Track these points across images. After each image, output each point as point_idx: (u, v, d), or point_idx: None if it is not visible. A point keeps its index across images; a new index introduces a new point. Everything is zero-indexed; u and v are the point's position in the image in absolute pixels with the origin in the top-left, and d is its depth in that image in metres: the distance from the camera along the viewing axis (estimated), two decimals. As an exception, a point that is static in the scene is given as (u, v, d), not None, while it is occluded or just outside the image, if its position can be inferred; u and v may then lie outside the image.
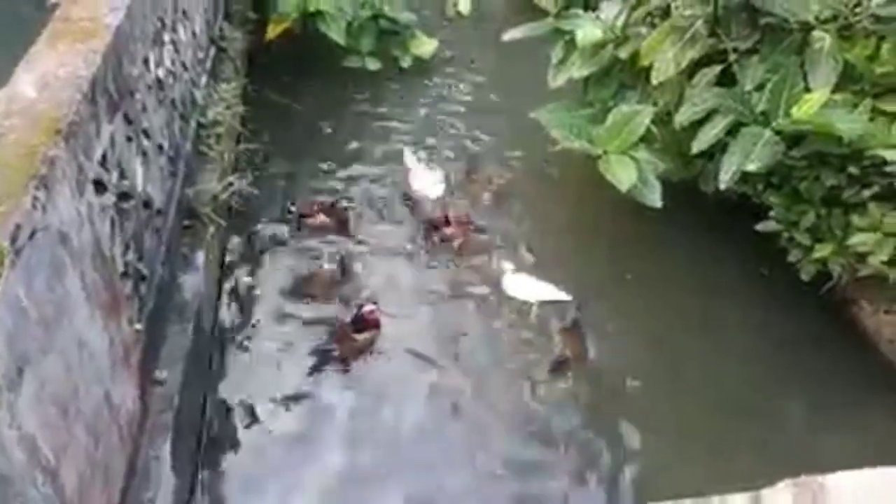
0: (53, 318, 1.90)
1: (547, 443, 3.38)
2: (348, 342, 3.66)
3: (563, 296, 4.01)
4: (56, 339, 1.92)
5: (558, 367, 3.70)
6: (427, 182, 4.71)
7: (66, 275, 2.00)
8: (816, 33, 3.71)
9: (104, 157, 2.36)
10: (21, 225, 1.70)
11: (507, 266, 4.18)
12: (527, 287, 4.09)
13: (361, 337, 3.69)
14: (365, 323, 3.71)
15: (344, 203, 4.62)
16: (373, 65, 6.01)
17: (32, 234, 1.75)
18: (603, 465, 3.30)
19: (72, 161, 2.03)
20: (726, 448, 3.36)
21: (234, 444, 3.26)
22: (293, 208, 4.50)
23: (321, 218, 4.43)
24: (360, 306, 3.77)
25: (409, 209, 4.67)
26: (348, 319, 3.75)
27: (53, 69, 2.18)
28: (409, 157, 4.87)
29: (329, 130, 5.44)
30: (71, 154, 2.02)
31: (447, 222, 4.44)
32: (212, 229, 3.74)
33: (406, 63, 6.15)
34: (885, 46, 3.55)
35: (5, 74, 2.21)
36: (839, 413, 3.58)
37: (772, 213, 3.92)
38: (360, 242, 4.41)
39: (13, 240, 1.66)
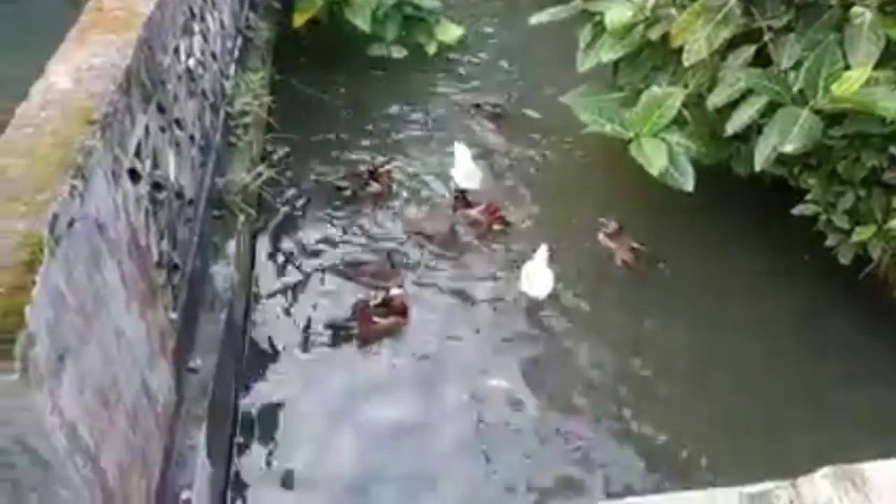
0: (92, 306, 1.93)
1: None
2: (369, 323, 3.67)
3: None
4: (95, 328, 1.94)
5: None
6: (467, 173, 4.66)
7: (104, 264, 2.02)
8: (856, 9, 3.59)
9: (138, 147, 2.38)
10: (59, 214, 1.72)
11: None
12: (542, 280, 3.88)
13: (385, 321, 3.69)
14: (391, 308, 3.72)
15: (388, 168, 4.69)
16: (398, 52, 5.98)
17: (71, 224, 1.77)
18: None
19: (107, 151, 2.05)
20: (773, 431, 3.32)
21: (268, 432, 3.30)
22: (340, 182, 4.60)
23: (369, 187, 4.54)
24: (388, 289, 3.78)
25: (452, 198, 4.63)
26: (374, 302, 3.76)
27: (87, 60, 2.20)
28: (459, 150, 4.74)
29: (355, 119, 5.44)
30: (106, 144, 2.03)
31: (473, 206, 4.44)
32: (242, 219, 3.77)
33: (432, 50, 6.11)
34: (931, 21, 3.43)
35: (39, 66, 2.23)
36: (880, 397, 3.49)
37: (808, 196, 3.83)
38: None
39: (52, 229, 1.68)
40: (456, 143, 4.73)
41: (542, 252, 3.84)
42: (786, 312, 3.94)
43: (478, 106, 5.50)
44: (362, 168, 4.69)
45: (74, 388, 1.78)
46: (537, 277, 3.80)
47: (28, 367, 1.51)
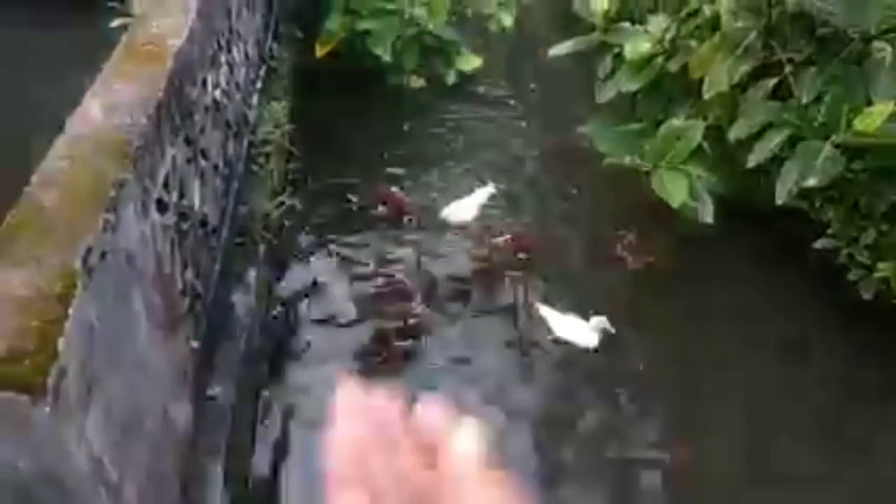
0: (119, 338, 1.94)
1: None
2: (392, 349, 3.71)
3: (589, 339, 3.70)
4: (121, 359, 1.96)
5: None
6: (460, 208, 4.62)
7: (132, 294, 2.05)
8: (877, 44, 3.61)
9: (166, 178, 2.41)
10: (92, 247, 1.74)
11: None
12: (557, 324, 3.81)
13: (405, 343, 3.75)
14: (411, 330, 3.78)
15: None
16: (417, 82, 6.05)
17: (103, 256, 1.79)
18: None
19: (138, 184, 2.08)
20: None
21: (285, 459, 3.28)
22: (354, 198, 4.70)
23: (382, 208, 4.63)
24: (407, 314, 3.83)
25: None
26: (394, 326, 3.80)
27: (120, 93, 2.24)
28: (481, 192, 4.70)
29: (374, 148, 5.49)
30: (138, 177, 2.07)
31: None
32: (263, 247, 3.79)
33: (451, 80, 6.17)
34: (952, 57, 3.43)
35: (74, 95, 2.28)
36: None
37: (830, 230, 3.80)
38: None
39: (85, 262, 1.71)
40: (480, 187, 4.70)
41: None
42: (802, 344, 3.90)
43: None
44: (378, 191, 4.77)
45: (100, 420, 1.79)
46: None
47: (59, 400, 1.52)
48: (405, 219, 4.68)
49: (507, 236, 4.44)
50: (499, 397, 3.58)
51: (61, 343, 1.53)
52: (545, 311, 3.80)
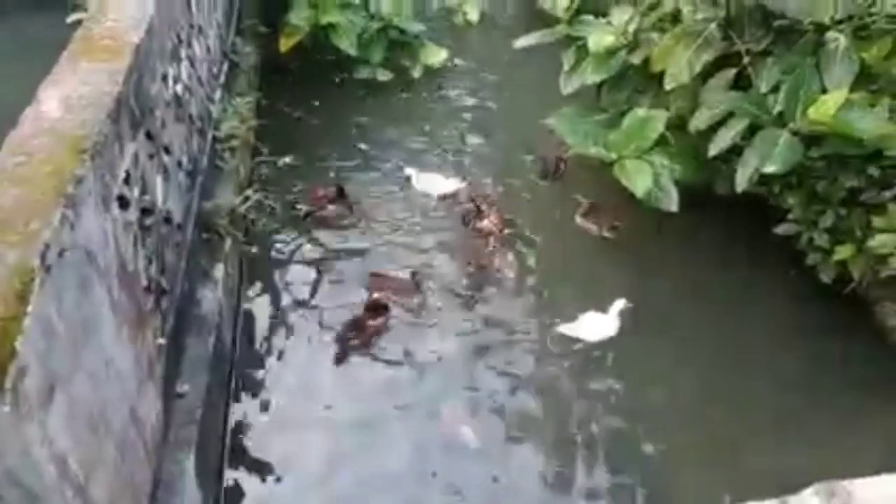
0: (82, 335, 1.92)
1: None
2: (365, 329, 3.84)
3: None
4: (84, 357, 1.93)
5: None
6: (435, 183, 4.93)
7: (94, 292, 2.02)
8: (831, 34, 3.70)
9: (127, 174, 2.38)
10: (50, 244, 1.71)
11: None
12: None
13: (375, 322, 3.87)
14: (376, 309, 3.93)
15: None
16: (383, 75, 6.04)
17: (62, 253, 1.76)
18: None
19: (97, 179, 2.05)
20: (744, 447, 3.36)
21: (258, 456, 3.27)
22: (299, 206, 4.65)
23: (329, 208, 4.61)
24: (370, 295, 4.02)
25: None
26: (361, 309, 3.92)
27: (77, 88, 2.20)
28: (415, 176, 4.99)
29: (341, 139, 5.47)
30: (97, 172, 2.04)
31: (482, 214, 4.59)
32: (229, 242, 3.76)
33: (417, 73, 6.18)
34: (902, 45, 3.53)
35: (28, 94, 2.23)
36: (863, 411, 3.54)
37: (790, 216, 3.90)
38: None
39: (43, 259, 1.68)
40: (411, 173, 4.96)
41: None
42: (763, 324, 4.01)
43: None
44: (322, 192, 4.71)
45: (64, 418, 1.76)
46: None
47: (19, 399, 1.50)
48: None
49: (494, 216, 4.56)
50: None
51: (20, 341, 1.51)
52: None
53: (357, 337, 3.82)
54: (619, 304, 3.84)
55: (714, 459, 3.32)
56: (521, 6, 7.02)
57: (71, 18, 3.60)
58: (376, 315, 3.90)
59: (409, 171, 5.00)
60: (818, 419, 3.51)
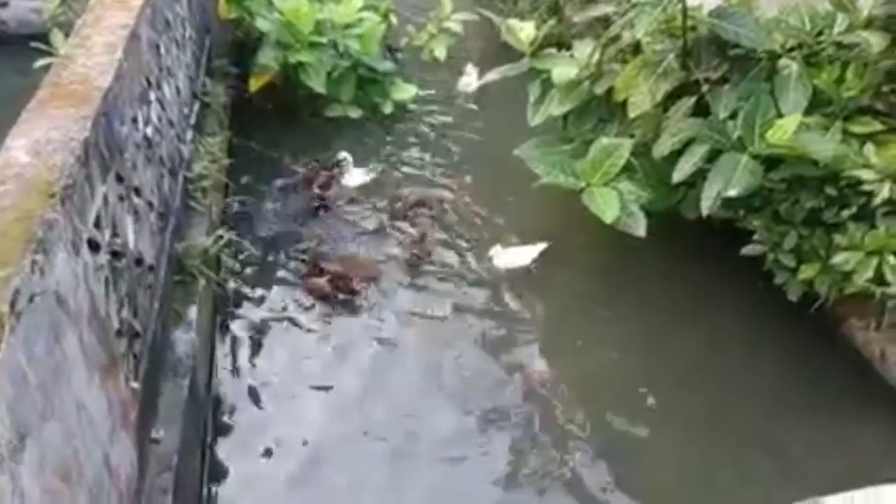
0: (52, 382, 1.88)
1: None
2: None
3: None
4: (56, 404, 1.89)
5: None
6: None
7: (64, 337, 1.99)
8: (783, 61, 3.87)
9: (98, 216, 2.36)
10: (20, 290, 1.69)
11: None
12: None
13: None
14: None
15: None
16: (354, 112, 6.11)
17: (31, 299, 1.74)
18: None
19: (68, 223, 2.04)
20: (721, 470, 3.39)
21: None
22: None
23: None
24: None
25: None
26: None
27: (46, 133, 2.20)
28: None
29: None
30: (66, 217, 2.03)
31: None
32: (203, 283, 3.73)
33: (387, 109, 6.26)
34: (850, 71, 3.69)
35: (-2, 142, 2.23)
36: (832, 429, 3.60)
37: (755, 237, 4.00)
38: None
39: (12, 305, 1.66)
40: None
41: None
42: (736, 344, 4.09)
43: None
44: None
45: (35, 468, 1.72)
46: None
47: (-12, 449, 1.46)
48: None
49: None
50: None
51: (-10, 390, 1.48)
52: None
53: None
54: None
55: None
56: (486, 42, 7.18)
57: (39, 63, 3.62)
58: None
59: None
60: (785, 435, 3.56)
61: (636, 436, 3.56)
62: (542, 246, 4.55)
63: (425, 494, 3.28)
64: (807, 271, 3.79)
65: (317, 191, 5.22)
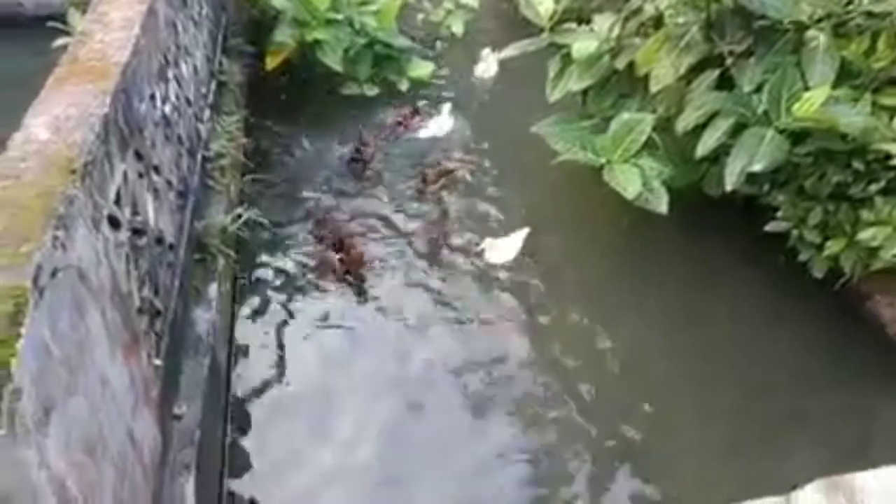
0: (77, 357, 1.90)
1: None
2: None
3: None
4: (80, 379, 1.91)
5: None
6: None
7: (87, 313, 2.00)
8: (811, 32, 3.75)
9: (118, 194, 2.37)
10: (42, 265, 1.70)
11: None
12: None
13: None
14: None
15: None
16: (370, 90, 6.07)
17: (54, 273, 1.75)
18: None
19: (88, 200, 2.04)
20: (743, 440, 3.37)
21: (258, 476, 3.24)
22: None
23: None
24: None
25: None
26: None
27: (65, 110, 2.20)
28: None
29: (329, 156, 5.48)
30: (87, 193, 2.03)
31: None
32: (222, 261, 3.75)
33: (404, 87, 6.21)
34: (881, 41, 3.58)
35: (16, 119, 2.23)
36: (855, 402, 3.55)
37: (779, 213, 3.93)
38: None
39: (35, 280, 1.67)
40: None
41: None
42: (760, 321, 4.03)
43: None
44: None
45: (61, 442, 1.74)
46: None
47: (14, 422, 1.48)
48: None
49: None
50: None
51: (14, 364, 1.49)
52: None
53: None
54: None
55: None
56: (504, 17, 7.08)
57: (56, 43, 3.62)
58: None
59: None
60: (809, 408, 3.52)
61: (658, 410, 3.53)
62: (524, 232, 4.53)
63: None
64: (832, 247, 3.72)
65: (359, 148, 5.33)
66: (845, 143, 3.53)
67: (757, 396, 3.61)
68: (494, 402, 3.61)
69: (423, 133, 5.72)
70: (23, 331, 1.55)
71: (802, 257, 3.92)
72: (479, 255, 4.53)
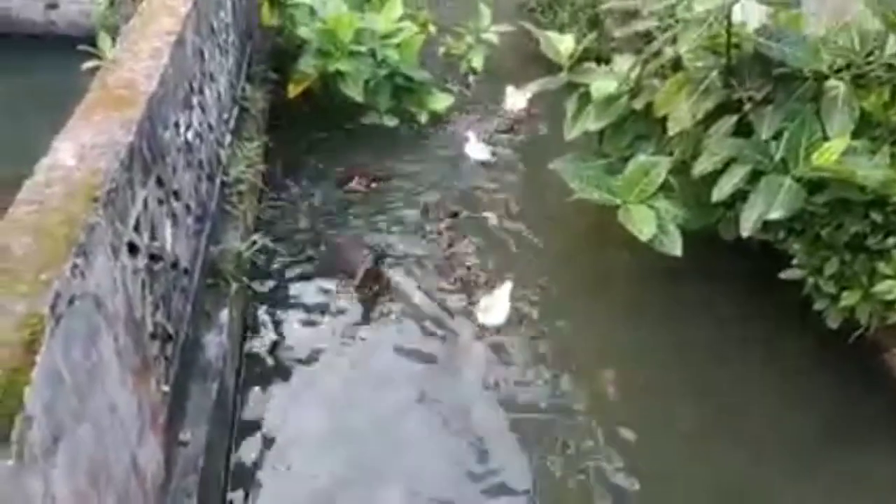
0: (87, 384, 1.91)
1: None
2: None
3: None
4: (89, 406, 1.92)
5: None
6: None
7: (101, 340, 2.02)
8: (830, 82, 3.76)
9: (137, 220, 2.40)
10: (61, 293, 1.72)
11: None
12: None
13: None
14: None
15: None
16: (390, 121, 6.14)
17: (71, 301, 1.77)
18: None
19: (109, 227, 2.07)
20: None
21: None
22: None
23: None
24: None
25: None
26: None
27: (91, 138, 2.24)
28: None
29: (349, 185, 5.52)
30: (108, 220, 2.06)
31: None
32: (235, 287, 3.76)
33: (423, 118, 6.27)
34: (901, 94, 3.59)
35: (45, 143, 2.28)
36: (864, 462, 3.48)
37: (795, 261, 3.90)
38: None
39: (53, 308, 1.68)
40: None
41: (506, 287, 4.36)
42: (772, 371, 3.97)
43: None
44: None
45: (67, 470, 1.74)
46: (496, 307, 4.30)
47: (24, 450, 1.48)
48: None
49: None
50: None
51: (27, 392, 1.50)
52: None
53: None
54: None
55: None
56: (524, 54, 7.15)
57: (87, 66, 3.70)
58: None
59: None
60: (828, 466, 3.45)
61: (656, 458, 3.48)
62: (508, 286, 4.39)
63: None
64: (848, 298, 3.67)
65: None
66: (863, 194, 3.51)
67: (762, 448, 3.54)
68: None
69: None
70: (38, 359, 1.56)
71: (817, 307, 3.87)
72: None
